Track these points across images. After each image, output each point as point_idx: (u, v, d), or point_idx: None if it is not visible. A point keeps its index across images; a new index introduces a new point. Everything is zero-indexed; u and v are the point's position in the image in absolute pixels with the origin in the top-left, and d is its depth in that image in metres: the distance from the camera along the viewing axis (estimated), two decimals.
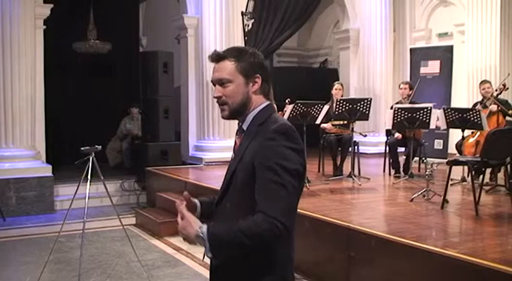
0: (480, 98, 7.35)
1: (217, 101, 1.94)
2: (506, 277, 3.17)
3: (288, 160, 1.75)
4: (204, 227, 1.72)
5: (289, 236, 1.84)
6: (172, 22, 9.89)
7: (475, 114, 6.26)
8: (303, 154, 1.82)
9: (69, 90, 10.72)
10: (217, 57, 1.90)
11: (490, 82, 7.28)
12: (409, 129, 7.00)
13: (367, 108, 7.02)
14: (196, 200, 1.99)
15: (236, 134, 1.98)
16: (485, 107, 6.92)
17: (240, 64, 1.87)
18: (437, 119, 6.74)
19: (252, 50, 1.93)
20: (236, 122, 1.99)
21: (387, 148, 7.68)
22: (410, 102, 7.42)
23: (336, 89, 7.69)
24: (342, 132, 7.46)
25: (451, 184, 5.90)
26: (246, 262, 1.80)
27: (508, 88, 7.16)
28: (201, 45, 9.18)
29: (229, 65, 1.87)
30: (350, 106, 6.96)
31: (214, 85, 1.92)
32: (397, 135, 7.49)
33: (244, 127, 1.92)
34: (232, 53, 1.90)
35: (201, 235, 1.72)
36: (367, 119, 7.22)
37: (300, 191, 1.82)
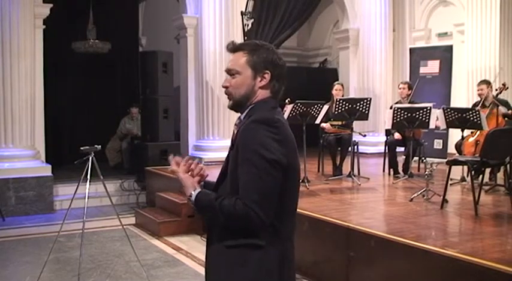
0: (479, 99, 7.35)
1: (224, 91, 1.99)
2: (505, 276, 3.17)
3: (266, 148, 1.76)
4: (194, 194, 1.89)
5: (277, 234, 1.85)
6: (172, 22, 9.88)
7: (474, 114, 6.26)
8: (285, 144, 1.82)
9: (68, 90, 10.71)
10: (233, 48, 1.96)
11: (487, 83, 7.23)
12: (408, 129, 7.00)
13: (367, 108, 7.02)
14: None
15: (235, 125, 2.01)
16: (484, 106, 6.92)
17: (251, 57, 1.91)
18: (437, 118, 6.74)
19: (269, 47, 1.96)
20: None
21: (386, 147, 7.68)
22: (409, 102, 7.42)
23: (336, 90, 7.68)
24: (342, 132, 7.46)
25: (450, 184, 5.90)
26: (232, 261, 1.84)
27: (507, 88, 7.16)
28: (200, 45, 9.18)
29: (241, 57, 1.93)
30: (349, 106, 6.96)
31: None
32: (397, 135, 7.49)
33: (242, 117, 1.96)
34: (248, 46, 1.96)
35: (191, 199, 1.90)
36: (366, 119, 7.22)
37: (282, 181, 1.80)
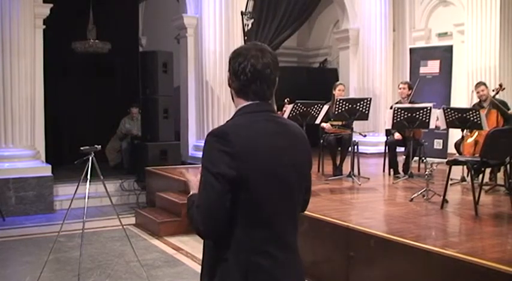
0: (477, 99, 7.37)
1: None
2: (505, 276, 3.17)
3: (211, 161, 1.75)
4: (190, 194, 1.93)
5: (240, 246, 1.77)
6: (172, 22, 9.89)
7: (474, 114, 6.26)
8: (239, 157, 1.74)
9: (68, 90, 10.70)
10: None
11: (484, 84, 7.26)
12: (408, 129, 7.00)
13: (367, 108, 7.02)
14: None
15: None
16: (482, 107, 6.93)
17: None
18: (437, 119, 6.75)
19: (245, 46, 1.93)
20: None
21: (386, 147, 7.68)
22: (409, 102, 7.43)
23: (339, 90, 7.67)
24: (342, 132, 7.46)
25: (450, 184, 5.90)
26: (207, 272, 1.85)
27: (504, 88, 7.17)
28: (200, 45, 9.18)
29: None
30: (350, 106, 6.96)
31: None
32: (397, 135, 7.49)
33: None
34: None
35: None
36: (366, 119, 7.22)
37: (225, 193, 1.73)
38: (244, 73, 1.85)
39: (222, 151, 1.74)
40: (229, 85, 1.91)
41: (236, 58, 1.87)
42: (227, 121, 1.88)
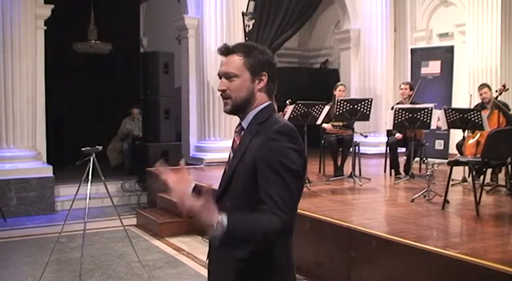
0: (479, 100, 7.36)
1: (221, 95, 1.93)
2: (506, 277, 3.17)
3: (290, 160, 1.75)
4: (225, 219, 1.58)
5: (288, 242, 1.87)
6: (173, 22, 9.90)
7: (475, 114, 6.26)
8: (304, 154, 1.82)
9: (69, 90, 10.72)
10: (226, 51, 1.93)
11: (488, 86, 7.25)
12: (409, 129, 7.00)
13: (368, 109, 7.02)
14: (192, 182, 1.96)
15: (235, 132, 1.96)
16: (484, 108, 6.92)
17: (248, 60, 1.87)
18: (438, 119, 6.74)
19: (262, 47, 1.93)
20: (237, 122, 1.98)
21: (388, 148, 7.68)
22: (411, 103, 7.42)
23: (340, 91, 7.67)
24: (343, 133, 7.46)
25: (451, 185, 5.90)
26: (242, 265, 1.80)
27: (508, 89, 7.15)
28: (201, 45, 9.18)
29: (237, 60, 1.89)
30: (351, 106, 6.96)
31: (221, 78, 1.94)
32: (398, 135, 7.49)
33: (244, 125, 1.91)
34: (242, 48, 1.91)
35: (220, 227, 1.58)
36: (367, 120, 7.22)
37: (301, 192, 1.83)
38: (276, 69, 1.93)
39: (293, 149, 1.77)
40: (258, 79, 1.88)
41: (267, 53, 1.91)
42: (271, 118, 1.86)
